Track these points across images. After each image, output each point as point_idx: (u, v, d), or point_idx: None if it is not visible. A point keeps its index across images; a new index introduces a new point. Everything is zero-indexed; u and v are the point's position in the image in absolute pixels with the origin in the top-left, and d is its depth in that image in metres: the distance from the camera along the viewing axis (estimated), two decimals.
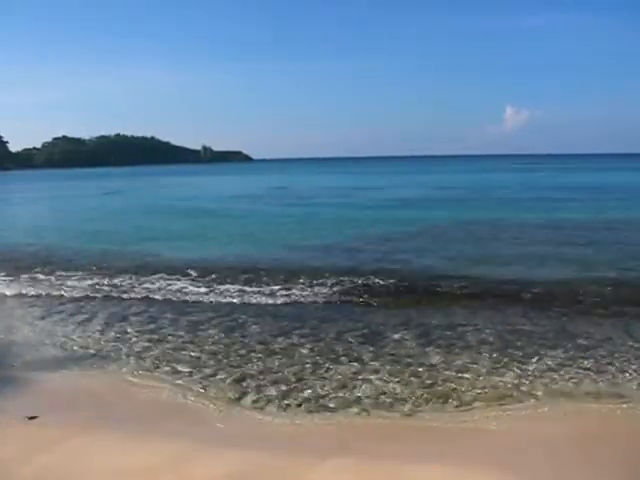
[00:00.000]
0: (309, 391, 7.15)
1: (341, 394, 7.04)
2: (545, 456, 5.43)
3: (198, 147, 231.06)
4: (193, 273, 14.34)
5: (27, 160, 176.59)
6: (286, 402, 6.87)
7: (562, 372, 7.56)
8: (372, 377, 7.53)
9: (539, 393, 6.95)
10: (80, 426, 6.17)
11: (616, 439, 5.81)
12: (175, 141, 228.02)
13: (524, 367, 7.76)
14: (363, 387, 7.22)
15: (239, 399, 7.01)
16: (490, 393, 6.99)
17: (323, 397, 6.98)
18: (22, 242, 21.21)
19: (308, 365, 8.05)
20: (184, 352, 8.75)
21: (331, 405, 6.77)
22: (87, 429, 6.12)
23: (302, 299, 11.84)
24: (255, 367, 8.05)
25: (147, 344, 9.17)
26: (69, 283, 13.78)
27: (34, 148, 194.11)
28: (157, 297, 12.37)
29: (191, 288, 13.01)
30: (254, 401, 6.95)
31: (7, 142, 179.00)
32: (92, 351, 8.92)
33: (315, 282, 12.96)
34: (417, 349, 8.61)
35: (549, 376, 7.44)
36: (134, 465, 5.37)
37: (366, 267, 14.57)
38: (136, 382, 7.61)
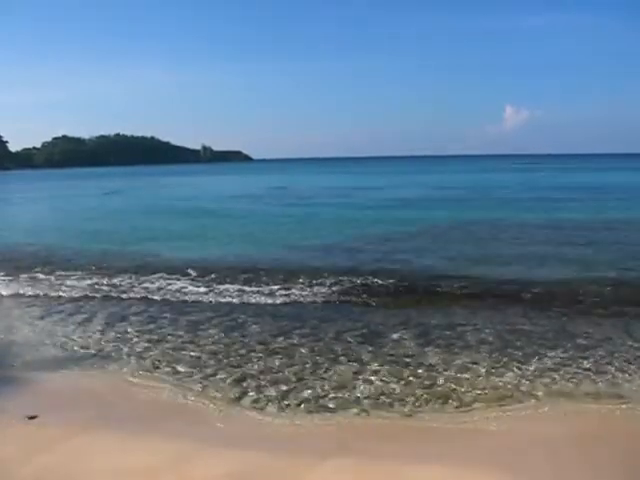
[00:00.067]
0: (309, 391, 7.16)
1: (341, 394, 7.04)
2: (545, 456, 5.44)
3: (198, 147, 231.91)
4: (193, 273, 14.35)
5: (27, 160, 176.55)
6: (286, 402, 6.88)
7: (562, 372, 7.56)
8: (372, 377, 7.53)
9: (539, 393, 6.95)
10: (80, 426, 6.18)
11: (616, 439, 5.82)
12: (175, 141, 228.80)
13: (524, 367, 7.76)
14: (363, 387, 7.22)
15: (239, 399, 7.01)
16: (490, 393, 6.99)
17: (323, 397, 6.99)
18: (22, 242, 21.21)
19: (308, 365, 8.05)
20: (184, 352, 8.76)
21: (331, 405, 6.78)
22: (87, 429, 6.12)
23: (302, 299, 11.84)
24: (255, 367, 8.06)
25: (147, 344, 9.18)
26: (69, 283, 13.79)
27: (34, 148, 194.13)
28: (157, 297, 12.38)
29: (191, 288, 13.01)
30: (254, 401, 6.95)
31: (7, 142, 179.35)
32: (92, 351, 8.93)
33: (315, 282, 12.97)
34: (417, 349, 8.61)
35: (549, 376, 7.44)
36: (134, 465, 5.37)
37: (366, 267, 14.58)
38: (136, 382, 7.61)
